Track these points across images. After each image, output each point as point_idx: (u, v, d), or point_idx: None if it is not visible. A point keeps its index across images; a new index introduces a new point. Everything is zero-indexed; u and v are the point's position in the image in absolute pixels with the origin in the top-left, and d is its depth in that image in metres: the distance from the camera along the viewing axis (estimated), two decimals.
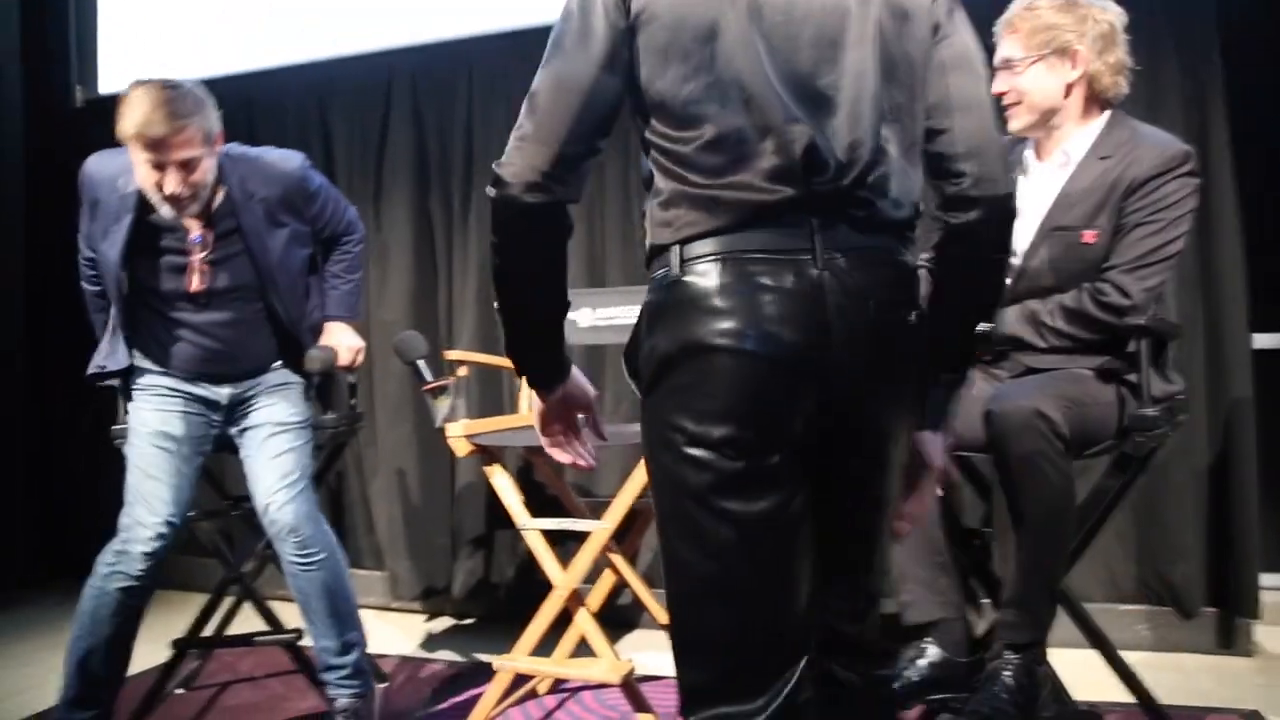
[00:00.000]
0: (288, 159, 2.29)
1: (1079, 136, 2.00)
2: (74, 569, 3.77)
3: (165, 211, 2.09)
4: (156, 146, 1.98)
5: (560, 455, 1.40)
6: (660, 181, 1.20)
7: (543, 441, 1.39)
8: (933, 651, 1.93)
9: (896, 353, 1.20)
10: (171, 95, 1.98)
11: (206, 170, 2.08)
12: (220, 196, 2.17)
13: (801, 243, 1.14)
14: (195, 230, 2.16)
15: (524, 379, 1.36)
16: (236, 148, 2.24)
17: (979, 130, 1.22)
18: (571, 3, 1.20)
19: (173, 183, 2.02)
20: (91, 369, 2.26)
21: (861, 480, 1.23)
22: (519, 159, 1.17)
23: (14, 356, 3.86)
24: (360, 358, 2.46)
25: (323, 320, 2.40)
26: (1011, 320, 1.97)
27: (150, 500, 2.09)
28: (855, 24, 1.17)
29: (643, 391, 1.22)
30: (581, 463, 1.41)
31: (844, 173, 1.15)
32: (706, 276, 1.15)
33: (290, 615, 2.40)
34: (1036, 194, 2.02)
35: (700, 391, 1.14)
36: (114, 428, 2.37)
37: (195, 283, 2.17)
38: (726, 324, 1.13)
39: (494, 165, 1.19)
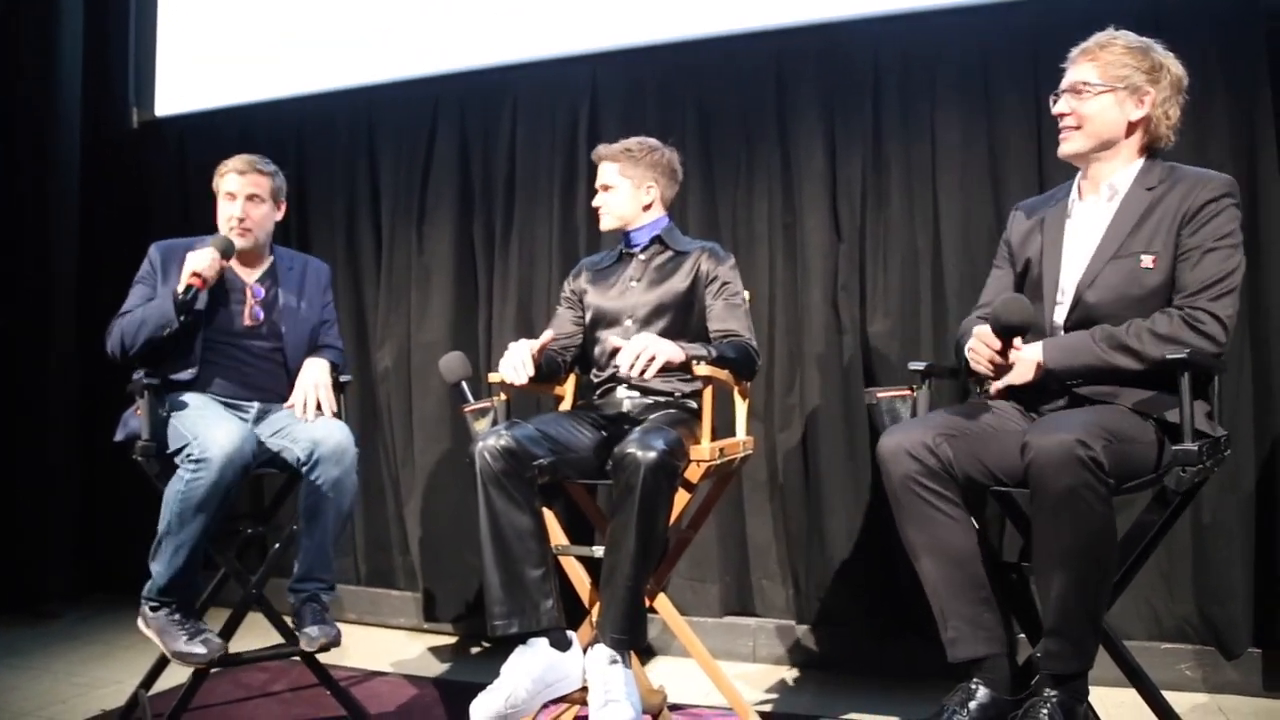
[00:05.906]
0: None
1: (1124, 173, 2.04)
2: (106, 584, 3.84)
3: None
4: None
5: None
6: None
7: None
8: (982, 693, 1.88)
9: None
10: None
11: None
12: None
13: None
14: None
15: None
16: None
17: None
18: None
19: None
20: None
21: None
22: None
23: (65, 370, 3.92)
24: (322, 399, 2.56)
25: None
26: (1081, 346, 1.94)
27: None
28: None
29: None
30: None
31: None
32: None
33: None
34: (1086, 227, 2.06)
35: None
36: (142, 442, 2.36)
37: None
38: None
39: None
